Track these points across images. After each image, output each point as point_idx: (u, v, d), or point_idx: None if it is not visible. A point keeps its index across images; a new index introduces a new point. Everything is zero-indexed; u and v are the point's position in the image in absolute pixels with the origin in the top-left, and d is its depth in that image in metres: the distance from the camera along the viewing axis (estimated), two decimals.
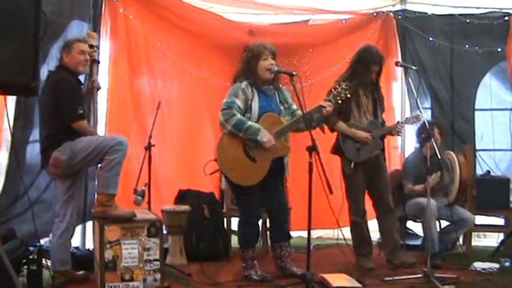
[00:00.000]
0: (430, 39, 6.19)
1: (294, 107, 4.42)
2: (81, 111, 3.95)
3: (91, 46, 4.23)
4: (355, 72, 4.73)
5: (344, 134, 4.72)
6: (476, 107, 6.27)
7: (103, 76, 5.28)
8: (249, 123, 4.14)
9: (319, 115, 4.19)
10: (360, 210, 4.79)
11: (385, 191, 4.84)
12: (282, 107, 4.40)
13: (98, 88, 4.31)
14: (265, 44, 4.31)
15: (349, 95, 4.23)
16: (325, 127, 4.55)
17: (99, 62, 4.46)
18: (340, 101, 4.22)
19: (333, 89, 4.26)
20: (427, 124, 4.58)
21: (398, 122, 5.02)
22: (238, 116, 4.15)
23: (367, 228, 4.90)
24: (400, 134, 5.11)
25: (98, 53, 4.52)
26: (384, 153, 4.95)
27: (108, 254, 3.75)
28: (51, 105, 3.97)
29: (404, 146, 6.37)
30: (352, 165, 4.70)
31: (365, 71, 4.70)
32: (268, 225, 4.83)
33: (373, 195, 4.90)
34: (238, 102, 4.19)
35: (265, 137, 4.13)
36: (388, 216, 4.87)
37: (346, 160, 4.74)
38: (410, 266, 4.67)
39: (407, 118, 5.07)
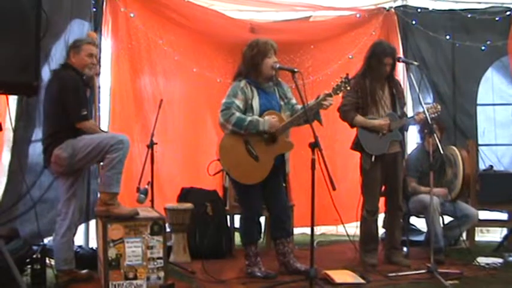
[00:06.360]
0: (447, 37, 6.19)
1: (293, 101, 4.43)
2: (85, 113, 3.92)
3: None
4: (369, 67, 4.74)
5: (363, 128, 4.70)
6: (478, 102, 6.25)
7: (105, 75, 5.29)
8: (249, 118, 4.15)
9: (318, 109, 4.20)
10: (374, 206, 4.78)
11: (397, 190, 4.83)
12: (282, 102, 4.40)
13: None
14: (271, 42, 4.31)
15: (348, 87, 4.23)
16: (345, 123, 4.68)
17: None
18: (340, 94, 4.22)
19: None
20: (428, 119, 4.56)
21: (418, 112, 4.91)
22: (237, 114, 4.15)
23: (376, 227, 4.89)
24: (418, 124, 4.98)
25: (98, 52, 4.51)
26: (403, 153, 4.88)
27: (112, 253, 3.75)
28: (55, 104, 3.93)
29: (406, 141, 6.34)
30: (373, 159, 4.66)
31: (379, 64, 4.69)
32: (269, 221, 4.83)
33: (386, 191, 4.89)
34: (237, 102, 4.19)
35: (266, 125, 4.15)
36: (395, 214, 4.89)
37: (365, 155, 4.71)
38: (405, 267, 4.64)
39: (426, 108, 4.66)
